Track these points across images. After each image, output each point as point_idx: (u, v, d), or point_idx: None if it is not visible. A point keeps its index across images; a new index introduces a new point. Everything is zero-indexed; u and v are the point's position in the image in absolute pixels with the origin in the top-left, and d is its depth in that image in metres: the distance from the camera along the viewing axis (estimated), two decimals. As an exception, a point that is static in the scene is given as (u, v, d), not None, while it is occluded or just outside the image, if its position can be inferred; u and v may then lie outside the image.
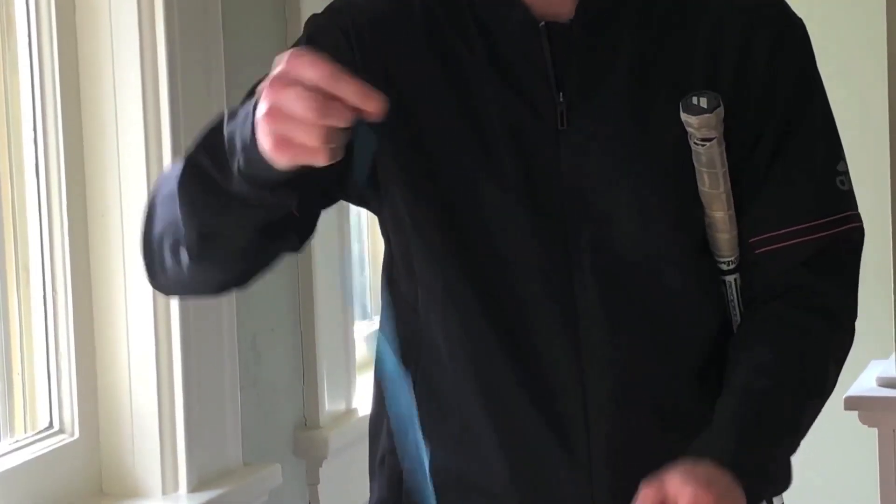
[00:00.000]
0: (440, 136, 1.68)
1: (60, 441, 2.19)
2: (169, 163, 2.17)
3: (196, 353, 2.24)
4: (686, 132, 1.65)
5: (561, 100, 1.66)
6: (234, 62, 2.36)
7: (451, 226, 1.66)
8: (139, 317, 2.21)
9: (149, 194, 1.65)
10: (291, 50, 1.42)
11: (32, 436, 2.17)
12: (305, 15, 2.56)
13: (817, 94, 1.74)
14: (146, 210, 1.64)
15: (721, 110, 1.63)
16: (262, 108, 1.41)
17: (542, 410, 1.67)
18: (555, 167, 1.66)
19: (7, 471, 2.08)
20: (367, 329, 2.94)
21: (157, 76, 2.19)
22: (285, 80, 1.39)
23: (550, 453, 1.68)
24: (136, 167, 2.19)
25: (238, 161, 1.47)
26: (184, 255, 1.59)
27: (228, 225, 1.57)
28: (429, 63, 1.69)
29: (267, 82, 1.41)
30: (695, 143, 1.65)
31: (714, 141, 1.64)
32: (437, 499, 1.73)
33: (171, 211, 1.58)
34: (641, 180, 1.67)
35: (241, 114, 1.48)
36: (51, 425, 2.20)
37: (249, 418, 2.42)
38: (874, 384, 2.25)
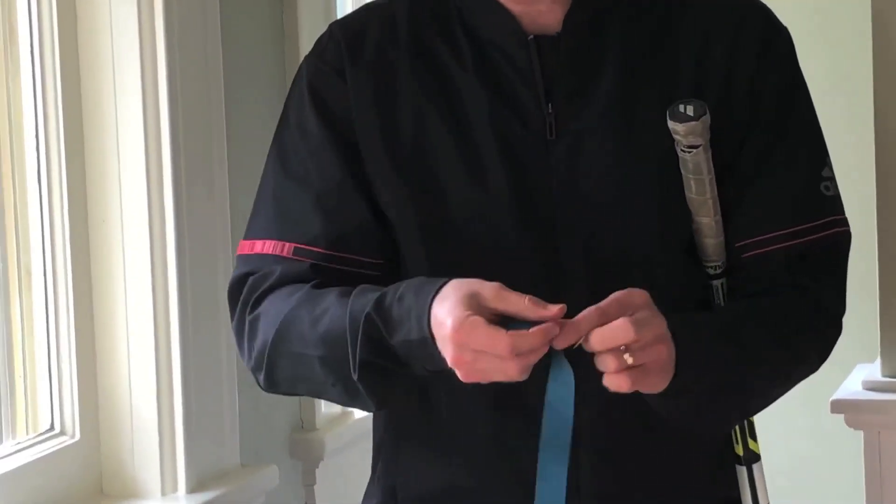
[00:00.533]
0: (433, 147, 1.69)
1: (61, 443, 2.18)
2: (170, 182, 2.19)
3: (194, 357, 2.24)
4: (673, 140, 1.66)
5: (550, 111, 1.67)
6: (231, 71, 2.37)
7: (444, 235, 1.67)
8: (139, 321, 2.21)
9: (257, 324, 1.69)
10: (456, 318, 1.50)
11: (34, 437, 2.17)
12: (302, 22, 2.59)
13: (802, 101, 1.75)
14: (266, 349, 1.68)
15: (707, 118, 1.63)
16: (455, 366, 1.52)
17: (530, 413, 1.66)
18: (544, 176, 1.67)
19: (9, 472, 2.07)
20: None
21: (157, 86, 2.19)
22: (468, 355, 1.51)
23: (529, 457, 1.65)
24: (136, 175, 2.19)
25: (423, 365, 1.58)
26: (338, 399, 1.71)
27: (412, 385, 1.67)
28: (419, 78, 1.70)
29: (449, 354, 1.51)
30: (682, 150, 1.65)
31: (700, 148, 1.65)
32: (432, 500, 1.75)
33: (307, 371, 1.66)
34: (629, 188, 1.68)
35: (412, 338, 1.56)
36: (52, 427, 2.20)
37: (247, 421, 2.42)
38: (860, 387, 2.25)
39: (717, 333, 1.64)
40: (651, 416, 1.66)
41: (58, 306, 2.18)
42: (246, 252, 1.74)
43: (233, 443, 2.36)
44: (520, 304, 1.50)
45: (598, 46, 1.70)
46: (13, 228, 2.16)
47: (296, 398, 2.61)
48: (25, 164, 2.17)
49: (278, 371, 1.68)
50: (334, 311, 1.61)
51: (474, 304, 1.50)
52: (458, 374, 1.52)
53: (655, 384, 1.55)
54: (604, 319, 1.50)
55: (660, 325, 1.53)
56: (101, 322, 2.23)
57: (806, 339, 1.71)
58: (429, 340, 1.53)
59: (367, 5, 1.84)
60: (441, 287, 1.54)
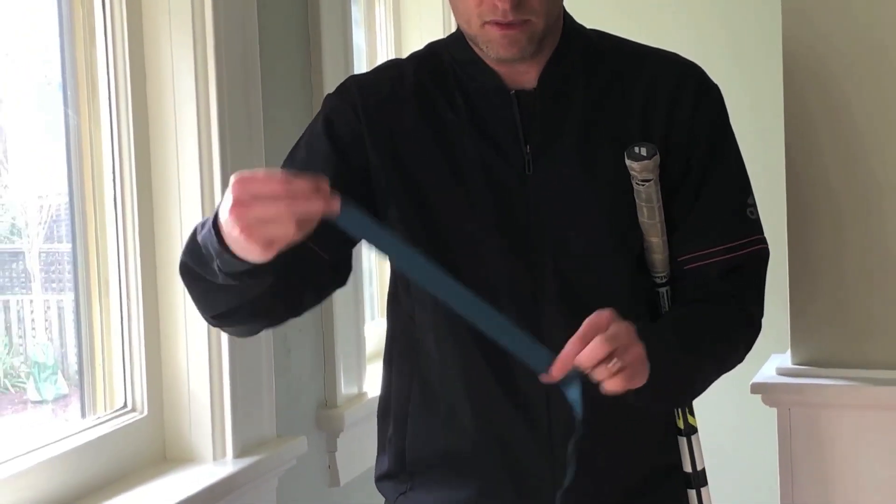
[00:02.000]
0: (430, 183, 1.69)
1: (132, 418, 2.17)
2: (220, 198, 2.17)
3: (240, 347, 2.23)
4: (628, 174, 1.66)
5: (528, 151, 1.68)
6: (270, 119, 2.37)
7: (439, 253, 1.64)
8: (195, 318, 2.16)
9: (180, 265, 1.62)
10: (237, 175, 1.39)
11: (110, 413, 2.16)
12: (326, 68, 2.59)
13: (729, 144, 1.75)
14: (184, 282, 1.61)
15: (658, 157, 1.64)
16: (232, 227, 1.38)
17: (512, 398, 1.69)
18: (523, 205, 1.67)
19: (90, 442, 2.06)
20: (374, 328, 2.95)
21: (211, 136, 2.18)
22: (239, 197, 1.37)
23: (519, 432, 1.69)
24: (192, 200, 2.18)
25: (216, 263, 1.45)
26: (225, 323, 1.61)
27: (230, 303, 1.57)
28: (421, 125, 1.70)
29: (229, 208, 1.37)
30: (636, 183, 1.66)
31: (651, 182, 1.65)
32: (431, 470, 1.76)
33: (196, 292, 1.60)
34: (590, 213, 1.68)
35: (205, 229, 1.45)
36: (125, 405, 2.18)
37: (282, 399, 2.40)
38: (774, 373, 2.24)
39: (672, 333, 1.65)
40: (612, 399, 1.67)
41: (130, 307, 2.17)
42: None
43: (270, 417, 2.35)
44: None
45: (566, 99, 1.70)
46: (94, 244, 2.15)
47: (320, 381, 2.61)
48: (104, 195, 2.15)
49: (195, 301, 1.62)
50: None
51: None
52: (247, 247, 1.38)
53: (642, 377, 1.54)
54: (584, 343, 1.50)
55: (628, 332, 1.52)
56: (164, 319, 2.21)
57: (737, 336, 1.72)
58: (212, 228, 1.43)
59: (382, 65, 1.85)
60: None
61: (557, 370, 1.49)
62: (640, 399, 1.58)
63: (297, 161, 1.71)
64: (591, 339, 1.49)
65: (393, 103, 1.72)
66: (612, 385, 1.50)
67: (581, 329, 1.50)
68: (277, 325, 1.73)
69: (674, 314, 1.71)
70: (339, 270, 1.70)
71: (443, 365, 1.72)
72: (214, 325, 1.66)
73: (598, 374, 1.50)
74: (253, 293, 1.53)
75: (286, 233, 1.37)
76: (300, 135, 1.77)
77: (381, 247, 1.47)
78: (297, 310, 1.68)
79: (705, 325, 1.69)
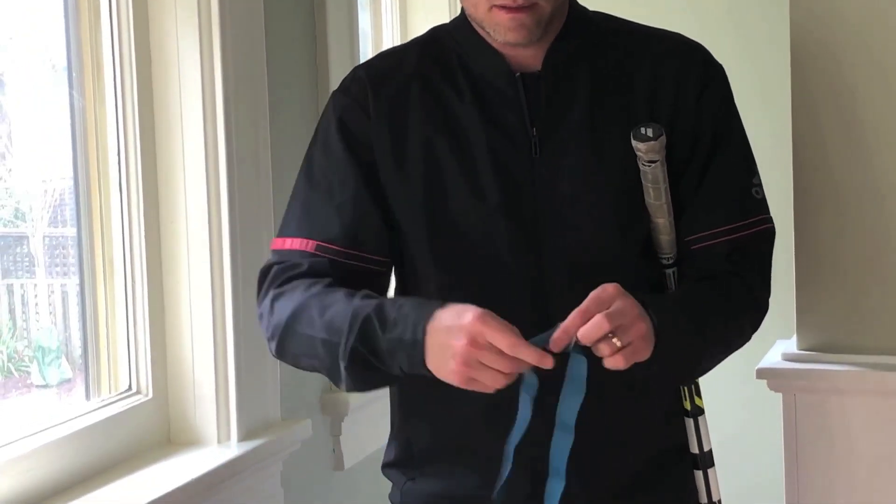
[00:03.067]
0: (438, 167, 1.69)
1: (137, 400, 2.17)
2: (225, 188, 2.18)
3: (245, 331, 2.23)
4: (634, 156, 1.66)
5: (534, 134, 1.68)
6: (275, 102, 2.37)
7: (446, 237, 1.67)
8: (200, 302, 2.20)
9: (275, 305, 1.68)
10: (479, 313, 1.48)
11: (115, 396, 2.16)
12: (332, 57, 2.59)
13: (735, 123, 1.76)
14: (280, 327, 1.67)
15: (664, 138, 1.64)
16: (455, 357, 1.48)
17: (518, 388, 1.66)
18: (530, 188, 1.68)
19: (95, 424, 2.07)
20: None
21: (216, 120, 2.18)
22: (476, 339, 1.46)
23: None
24: (198, 186, 2.18)
25: (400, 364, 1.55)
26: (332, 377, 1.65)
27: (388, 381, 1.67)
28: (426, 111, 1.70)
29: (463, 341, 1.47)
30: (643, 164, 1.66)
31: (658, 162, 1.66)
32: (438, 460, 1.77)
33: (310, 351, 1.64)
34: (598, 195, 1.68)
35: (405, 338, 1.54)
36: (130, 387, 2.19)
37: (286, 383, 2.40)
38: (779, 358, 2.24)
39: (680, 308, 1.65)
40: (613, 381, 1.66)
41: (135, 290, 2.18)
42: (277, 248, 1.74)
43: (275, 401, 2.35)
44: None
45: (572, 81, 1.70)
46: (99, 227, 2.15)
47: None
48: (109, 179, 2.16)
49: (287, 345, 1.67)
50: (340, 305, 1.61)
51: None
52: (450, 376, 1.50)
53: (644, 353, 1.54)
54: (586, 318, 1.50)
55: (633, 307, 1.52)
56: (169, 302, 2.22)
57: (743, 315, 1.72)
58: (419, 343, 1.52)
59: (385, 52, 1.85)
60: (440, 306, 1.54)
61: (556, 343, 1.49)
62: (645, 372, 1.58)
63: (323, 170, 1.74)
64: (594, 314, 1.50)
65: (399, 92, 1.73)
66: (612, 362, 1.51)
67: (584, 303, 1.51)
68: None
69: (681, 289, 1.71)
70: (383, 281, 1.76)
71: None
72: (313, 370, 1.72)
73: (599, 351, 1.51)
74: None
75: (495, 383, 1.50)
76: (304, 118, 1.79)
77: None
78: None
79: (711, 301, 1.69)
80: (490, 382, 1.49)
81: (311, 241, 1.70)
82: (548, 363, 1.47)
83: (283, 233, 1.75)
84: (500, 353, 1.47)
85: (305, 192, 1.74)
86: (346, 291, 1.63)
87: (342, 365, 1.59)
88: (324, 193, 1.72)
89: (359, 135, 1.72)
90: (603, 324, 1.49)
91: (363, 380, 1.61)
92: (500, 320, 1.47)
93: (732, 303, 1.70)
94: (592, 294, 1.51)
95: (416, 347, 1.51)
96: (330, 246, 1.69)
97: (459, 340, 1.47)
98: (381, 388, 1.68)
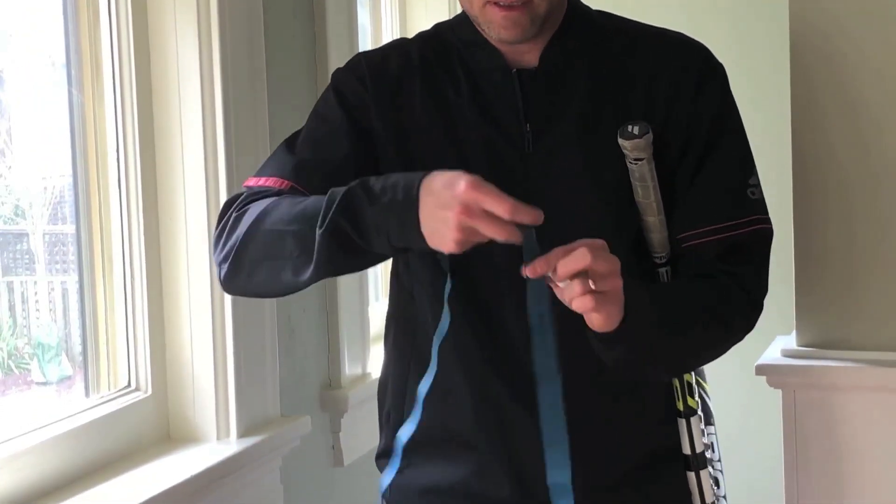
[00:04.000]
0: (432, 159, 1.67)
1: (136, 397, 2.17)
2: (224, 186, 2.18)
3: (244, 327, 2.24)
4: (624, 154, 1.66)
5: (528, 129, 1.68)
6: (274, 98, 2.37)
7: None
8: (199, 299, 2.20)
9: (240, 219, 1.62)
10: (471, 181, 1.44)
11: (114, 393, 2.16)
12: (331, 51, 2.59)
13: (732, 123, 1.75)
14: (242, 235, 1.59)
15: (650, 136, 1.63)
16: (450, 223, 1.44)
17: (504, 372, 1.69)
18: (524, 182, 1.67)
19: (94, 421, 2.07)
20: (378, 309, 2.95)
21: (215, 117, 2.18)
22: (470, 205, 1.43)
23: (512, 407, 1.69)
24: (197, 183, 2.18)
25: (389, 236, 1.48)
26: (288, 278, 1.57)
27: (355, 268, 1.61)
28: (424, 102, 1.71)
29: (457, 207, 1.43)
30: (629, 162, 1.65)
31: (644, 160, 1.65)
32: (427, 449, 1.76)
33: (276, 247, 1.56)
34: (590, 192, 1.68)
35: (395, 203, 1.48)
36: (129, 384, 2.19)
37: (286, 379, 2.41)
38: (779, 355, 2.24)
39: (660, 297, 1.64)
40: (604, 380, 1.67)
41: (134, 287, 2.18)
42: (251, 184, 1.70)
43: (274, 397, 2.35)
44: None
45: (569, 78, 1.70)
46: (98, 224, 2.15)
47: (324, 362, 2.62)
48: (108, 176, 2.16)
49: (248, 253, 1.60)
50: (312, 199, 1.56)
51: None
52: (452, 226, 1.44)
53: (610, 313, 1.52)
54: (566, 253, 1.48)
55: (614, 262, 1.51)
56: (168, 299, 2.22)
57: (734, 316, 1.71)
58: (414, 202, 1.47)
59: (389, 43, 1.85)
60: (429, 173, 1.50)
61: (533, 269, 1.47)
62: (606, 345, 1.56)
63: (318, 136, 1.72)
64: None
65: (399, 80, 1.74)
66: (580, 303, 1.49)
67: (572, 244, 1.49)
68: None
69: (668, 283, 1.70)
70: None
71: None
72: (273, 281, 1.62)
73: (571, 289, 1.48)
74: (382, 259, 1.56)
75: (488, 237, 1.45)
76: (303, 113, 1.79)
77: None
78: None
79: (697, 299, 1.67)
80: (489, 231, 1.45)
81: (286, 182, 1.67)
82: (541, 218, 1.44)
83: (259, 173, 1.72)
84: (495, 218, 1.43)
85: (290, 144, 1.73)
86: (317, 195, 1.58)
87: (317, 242, 1.52)
88: (309, 146, 1.71)
89: (354, 101, 1.72)
90: (585, 256, 1.47)
91: (335, 260, 1.54)
92: (492, 186, 1.44)
93: (722, 303, 1.69)
94: (579, 241, 1.50)
95: (412, 208, 1.47)
96: (304, 190, 1.66)
97: (453, 209, 1.44)
98: (347, 272, 1.62)
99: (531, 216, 1.44)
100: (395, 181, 1.50)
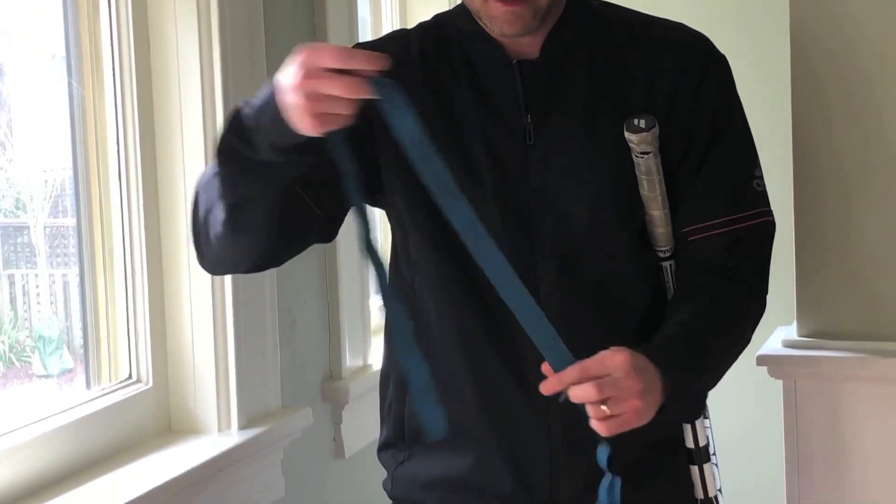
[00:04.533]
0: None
1: (137, 389, 2.17)
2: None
3: (244, 319, 2.24)
4: (628, 147, 1.65)
5: (529, 121, 1.67)
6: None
7: (439, 223, 1.63)
8: (200, 291, 2.20)
9: (193, 190, 1.65)
10: (306, 46, 1.41)
11: (115, 384, 2.16)
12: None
13: (735, 115, 1.74)
14: (192, 200, 1.63)
15: (657, 130, 1.63)
16: (296, 96, 1.40)
17: (508, 365, 1.69)
18: (524, 174, 1.67)
19: (95, 412, 2.06)
20: (380, 301, 2.94)
21: (215, 109, 2.17)
22: (309, 69, 1.39)
23: (515, 400, 1.69)
24: (197, 171, 2.11)
25: (265, 135, 1.46)
26: (225, 228, 1.58)
27: (259, 189, 1.56)
28: (424, 93, 1.69)
29: (299, 76, 1.39)
30: (636, 155, 1.65)
31: (651, 154, 1.64)
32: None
33: (211, 195, 1.57)
34: (592, 184, 1.67)
35: (262, 99, 1.46)
36: (130, 376, 2.19)
37: (287, 371, 2.41)
38: (780, 345, 2.24)
39: (689, 350, 1.63)
40: None
41: (135, 280, 2.18)
42: None
43: (275, 389, 2.35)
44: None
45: (568, 70, 1.70)
46: (99, 217, 2.15)
47: (326, 353, 2.62)
48: (109, 166, 2.16)
49: (198, 218, 1.62)
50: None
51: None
52: (301, 119, 1.41)
53: (634, 425, 1.53)
54: (583, 377, 1.49)
55: (633, 384, 1.50)
56: (169, 291, 2.22)
57: (745, 322, 1.72)
58: (272, 96, 1.44)
59: (388, 35, 1.85)
60: None
61: (547, 387, 1.50)
62: (661, 416, 1.58)
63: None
64: (593, 376, 1.49)
65: (397, 73, 1.71)
66: (597, 426, 1.51)
67: (589, 360, 1.50)
68: (259, 265, 1.72)
69: (679, 319, 1.67)
70: (327, 229, 1.71)
71: (442, 334, 1.72)
72: (220, 235, 1.62)
73: (589, 412, 1.51)
74: (283, 179, 1.54)
75: (342, 110, 1.41)
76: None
77: (410, 149, 1.47)
78: (280, 254, 1.69)
79: (714, 323, 1.67)
80: (337, 109, 1.41)
81: None
82: (382, 63, 1.42)
83: None
84: (337, 75, 1.39)
85: None
86: None
87: (218, 167, 1.52)
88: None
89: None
90: (594, 392, 1.48)
91: (237, 179, 1.53)
92: (326, 44, 1.41)
93: (733, 314, 1.70)
94: (600, 356, 1.50)
95: (271, 97, 1.44)
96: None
97: (294, 78, 1.40)
98: (262, 194, 1.57)
99: (367, 59, 1.40)
100: (264, 87, 1.48)
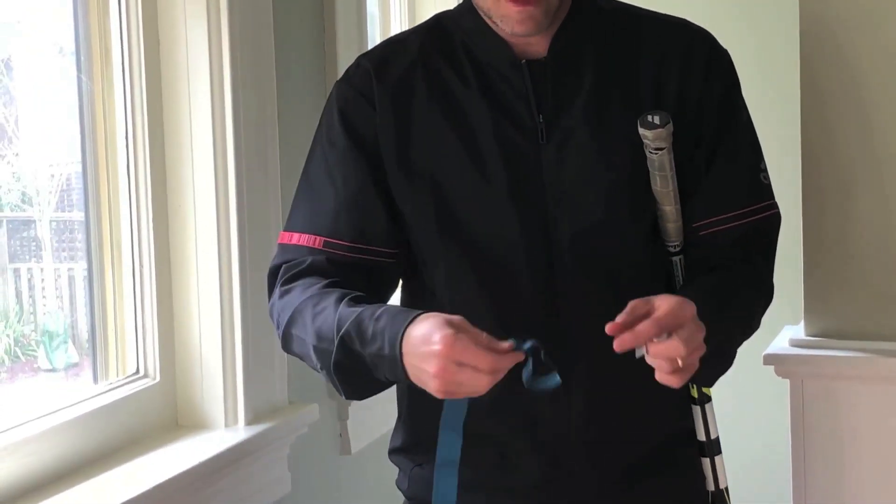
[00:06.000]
0: (444, 159, 1.69)
1: (145, 384, 2.18)
2: (233, 175, 2.18)
3: (252, 314, 2.23)
4: (640, 142, 1.66)
5: (540, 120, 1.68)
6: (282, 86, 2.36)
7: (454, 225, 1.67)
8: (208, 286, 2.20)
9: (279, 307, 1.70)
10: (447, 336, 1.46)
11: (123, 379, 2.16)
12: (340, 47, 2.59)
13: (741, 110, 1.75)
14: (282, 329, 1.69)
15: (671, 126, 1.64)
16: (433, 379, 1.47)
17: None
18: (538, 173, 1.67)
19: (103, 407, 2.07)
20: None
21: (224, 103, 2.18)
22: (452, 367, 1.46)
23: (538, 409, 1.69)
24: (205, 170, 2.18)
25: (386, 376, 1.56)
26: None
27: (377, 389, 1.65)
28: (432, 100, 1.70)
29: (434, 366, 1.46)
30: (649, 151, 1.65)
31: (665, 150, 1.65)
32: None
33: (306, 354, 1.66)
34: (605, 181, 1.68)
35: (381, 350, 1.53)
36: (137, 371, 2.19)
37: (294, 367, 2.37)
38: (787, 344, 2.24)
39: (719, 310, 1.63)
40: (626, 358, 1.67)
41: (142, 274, 2.18)
42: (285, 242, 1.74)
43: (282, 384, 2.35)
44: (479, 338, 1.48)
45: (577, 67, 1.70)
46: (107, 211, 2.15)
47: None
48: (117, 160, 2.16)
49: (290, 345, 1.69)
50: (328, 312, 1.61)
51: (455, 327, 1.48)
52: (433, 384, 1.48)
53: (693, 373, 1.53)
54: (660, 329, 1.49)
55: (699, 335, 1.51)
56: (177, 286, 2.22)
57: (757, 302, 1.73)
58: (397, 358, 1.51)
59: (388, 40, 1.84)
60: (415, 317, 1.52)
61: (621, 343, 1.48)
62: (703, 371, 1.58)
63: (333, 167, 1.73)
64: (669, 329, 1.48)
65: (403, 80, 1.73)
66: (667, 380, 1.51)
67: (661, 313, 1.49)
68: None
69: (705, 285, 1.68)
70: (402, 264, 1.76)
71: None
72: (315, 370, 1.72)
73: (659, 367, 1.50)
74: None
75: (477, 390, 1.48)
76: (312, 100, 1.78)
77: None
78: None
79: (733, 294, 1.68)
80: (472, 392, 1.49)
81: (318, 238, 1.71)
82: (519, 359, 1.48)
83: (290, 227, 1.76)
84: (476, 370, 1.46)
85: (312, 186, 1.75)
86: (337, 295, 1.63)
87: (333, 376, 1.61)
88: (330, 187, 1.72)
89: (362, 126, 1.72)
90: (679, 349, 1.48)
91: (357, 389, 1.63)
92: (469, 335, 1.46)
93: (748, 291, 1.71)
94: (669, 308, 1.49)
95: (396, 365, 1.52)
96: (337, 241, 1.70)
97: (432, 367, 1.47)
98: (378, 393, 1.67)
99: (511, 361, 1.47)
100: (383, 328, 1.53)
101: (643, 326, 1.48)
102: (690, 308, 1.51)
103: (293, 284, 1.69)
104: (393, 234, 1.71)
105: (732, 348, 1.69)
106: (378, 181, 1.71)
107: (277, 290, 1.71)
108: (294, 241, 1.73)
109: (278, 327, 1.70)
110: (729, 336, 1.65)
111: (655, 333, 1.48)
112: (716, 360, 1.63)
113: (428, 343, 1.47)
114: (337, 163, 1.73)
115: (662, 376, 1.50)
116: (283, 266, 1.73)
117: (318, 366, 1.63)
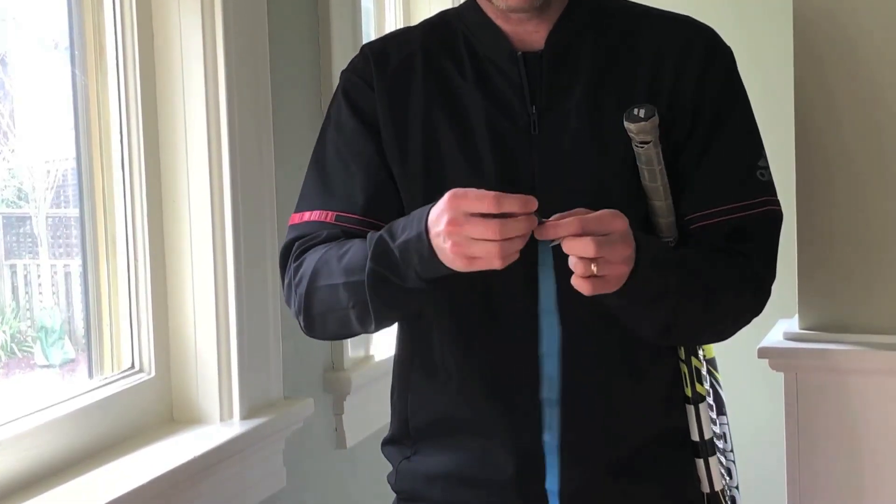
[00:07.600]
0: (436, 143, 1.69)
1: (140, 378, 2.18)
2: (227, 168, 2.18)
3: (247, 309, 2.24)
4: (630, 137, 1.66)
5: (533, 111, 1.68)
6: (277, 81, 2.36)
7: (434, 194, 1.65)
8: (203, 281, 2.20)
9: (298, 274, 1.70)
10: (451, 192, 1.49)
11: (117, 374, 2.16)
12: (335, 44, 2.59)
13: (740, 105, 1.74)
14: (303, 292, 1.68)
15: (656, 119, 1.62)
16: (446, 240, 1.48)
17: (507, 358, 1.68)
18: (529, 165, 1.67)
19: (97, 402, 2.07)
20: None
21: (218, 99, 2.18)
22: (454, 216, 1.47)
23: (515, 392, 1.69)
24: (200, 167, 2.18)
25: (415, 268, 1.54)
26: (357, 328, 1.67)
27: (406, 308, 1.67)
28: (429, 85, 1.72)
29: (444, 223, 1.48)
30: (635, 145, 1.64)
31: (650, 143, 1.63)
32: (433, 436, 1.76)
33: (334, 301, 1.65)
34: (595, 173, 1.68)
35: (410, 235, 1.54)
36: (132, 366, 2.19)
37: (289, 361, 2.41)
38: (781, 338, 2.24)
39: (672, 259, 1.63)
40: (608, 358, 1.67)
41: (137, 270, 2.18)
42: (296, 222, 1.75)
43: (277, 379, 2.36)
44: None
45: (574, 61, 1.70)
46: (102, 207, 2.15)
47: (327, 344, 2.61)
48: (112, 158, 2.16)
49: (313, 308, 1.68)
50: (356, 247, 1.63)
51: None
52: (448, 247, 1.49)
53: (612, 290, 1.54)
54: (579, 229, 1.49)
55: (625, 249, 1.51)
56: (172, 281, 2.22)
57: (742, 290, 1.70)
58: (424, 236, 1.52)
59: (393, 32, 1.86)
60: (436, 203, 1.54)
61: (541, 232, 1.50)
62: (612, 306, 1.59)
63: (342, 148, 1.75)
64: (592, 232, 1.49)
65: (402, 67, 1.74)
66: (577, 283, 1.51)
67: (592, 215, 1.51)
68: None
69: (684, 248, 1.69)
70: None
71: (441, 331, 1.73)
72: (339, 333, 1.73)
73: (574, 267, 1.51)
74: (427, 300, 1.63)
75: (490, 252, 1.47)
76: (307, 94, 1.79)
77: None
78: None
79: (710, 267, 1.66)
80: (485, 254, 1.48)
81: (330, 213, 1.72)
82: (532, 205, 1.47)
83: (301, 207, 1.77)
84: (484, 219, 1.46)
85: (322, 168, 1.76)
86: (360, 238, 1.65)
87: (367, 294, 1.60)
88: (340, 166, 1.74)
89: (366, 108, 1.75)
90: (589, 248, 1.49)
91: (387, 303, 1.62)
92: (474, 189, 1.48)
93: (733, 276, 1.68)
94: (602, 212, 1.51)
95: (423, 241, 1.53)
96: (349, 215, 1.71)
97: (443, 224, 1.49)
98: (408, 311, 1.69)
99: (519, 202, 1.47)
100: (412, 217, 1.57)
101: (566, 220, 1.50)
102: (622, 221, 1.52)
103: (308, 253, 1.70)
104: (401, 209, 1.71)
105: (680, 310, 1.63)
106: (385, 159, 1.73)
107: (291, 268, 1.72)
108: (306, 219, 1.74)
109: (299, 299, 1.69)
110: (678, 292, 1.61)
111: (575, 230, 1.49)
112: (645, 300, 1.59)
113: (437, 223, 1.50)
114: (345, 144, 1.74)
115: (574, 279, 1.51)
116: (297, 242, 1.73)
117: (352, 303, 1.62)
